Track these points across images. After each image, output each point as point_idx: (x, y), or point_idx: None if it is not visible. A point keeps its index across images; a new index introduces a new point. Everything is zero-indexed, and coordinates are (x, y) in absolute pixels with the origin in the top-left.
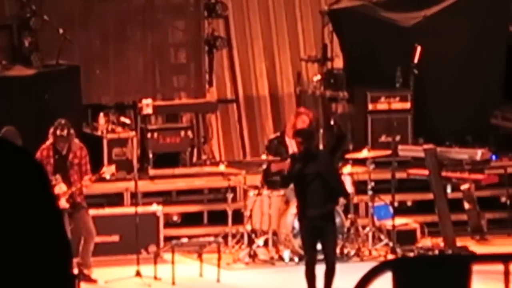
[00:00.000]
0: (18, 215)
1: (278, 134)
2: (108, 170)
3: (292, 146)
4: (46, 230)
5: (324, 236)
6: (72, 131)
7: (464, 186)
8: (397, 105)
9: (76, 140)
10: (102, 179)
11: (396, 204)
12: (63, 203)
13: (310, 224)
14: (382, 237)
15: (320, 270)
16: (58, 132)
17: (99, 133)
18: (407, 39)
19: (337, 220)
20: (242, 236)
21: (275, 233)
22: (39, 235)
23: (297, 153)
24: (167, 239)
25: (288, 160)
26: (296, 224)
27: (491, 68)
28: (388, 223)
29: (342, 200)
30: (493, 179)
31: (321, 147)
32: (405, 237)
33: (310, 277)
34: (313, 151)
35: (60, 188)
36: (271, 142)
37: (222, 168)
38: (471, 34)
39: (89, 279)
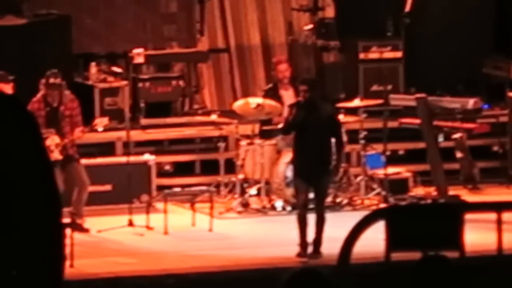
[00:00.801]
0: (6, 161)
1: (271, 85)
2: (100, 122)
3: (285, 96)
4: (36, 179)
5: (317, 185)
6: (63, 82)
7: (456, 135)
8: (388, 54)
9: (67, 92)
10: (94, 130)
11: (388, 153)
12: (56, 155)
13: (306, 171)
14: (375, 186)
15: (311, 218)
16: (50, 80)
17: (90, 82)
18: None
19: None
20: (234, 185)
21: (267, 182)
22: (28, 183)
23: (302, 101)
24: (159, 188)
25: (288, 109)
26: (289, 173)
27: (482, 16)
28: (380, 172)
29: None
30: (485, 128)
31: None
32: (397, 186)
33: (302, 222)
34: (317, 100)
35: (53, 140)
36: (266, 92)
37: (213, 117)
38: None
39: (81, 229)
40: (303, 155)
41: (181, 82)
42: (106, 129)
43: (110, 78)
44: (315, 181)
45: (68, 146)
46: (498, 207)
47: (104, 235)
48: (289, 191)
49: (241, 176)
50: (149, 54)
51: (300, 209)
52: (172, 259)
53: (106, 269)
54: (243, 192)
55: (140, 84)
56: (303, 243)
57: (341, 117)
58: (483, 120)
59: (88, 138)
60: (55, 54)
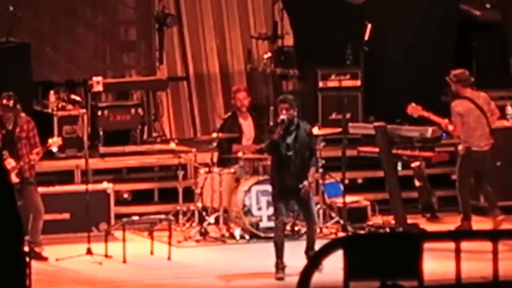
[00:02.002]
0: None
1: (230, 114)
2: (54, 142)
3: (244, 125)
4: None
5: (298, 199)
6: (18, 105)
7: (415, 164)
8: (347, 82)
9: (23, 114)
10: (52, 157)
11: (346, 181)
12: (13, 178)
13: (285, 191)
14: (333, 214)
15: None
16: (4, 102)
17: (49, 110)
18: (358, 16)
19: None
20: (193, 213)
21: (226, 211)
22: None
23: (284, 119)
24: (118, 216)
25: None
26: (247, 202)
27: (442, 44)
28: (338, 201)
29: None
30: (443, 156)
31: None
32: (356, 214)
33: (279, 243)
34: (297, 118)
35: (8, 163)
36: (225, 121)
37: (172, 145)
38: (422, 11)
39: (40, 257)
40: (286, 172)
41: (140, 110)
42: (64, 157)
43: (69, 106)
44: (292, 197)
45: (24, 169)
46: (457, 236)
47: (63, 264)
48: (248, 220)
49: (199, 205)
50: (108, 82)
51: (279, 231)
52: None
53: None
54: (201, 220)
55: (99, 112)
56: (279, 265)
57: (315, 130)
58: (441, 149)
59: (46, 166)
60: (14, 81)
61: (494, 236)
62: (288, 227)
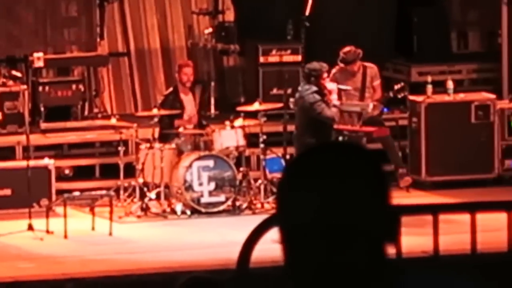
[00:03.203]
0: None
1: (171, 89)
2: None
3: (185, 101)
4: None
5: None
6: None
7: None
8: (288, 57)
9: None
10: None
11: (288, 157)
12: None
13: None
14: (274, 189)
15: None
16: None
17: None
18: None
19: (229, 173)
20: (134, 189)
21: (167, 186)
22: None
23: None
24: (59, 192)
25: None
26: (188, 177)
27: (382, 20)
28: (280, 176)
29: (234, 153)
30: (384, 131)
31: (212, 100)
32: None
33: None
34: None
35: None
36: (166, 97)
37: (113, 121)
38: None
39: None
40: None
41: (81, 86)
42: (5, 133)
43: (10, 82)
44: None
45: None
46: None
47: (4, 240)
48: (189, 195)
49: (140, 180)
50: (48, 58)
51: None
52: (72, 263)
53: (5, 274)
54: (142, 196)
55: (40, 88)
56: None
57: (239, 121)
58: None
59: None
60: None
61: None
62: (229, 202)
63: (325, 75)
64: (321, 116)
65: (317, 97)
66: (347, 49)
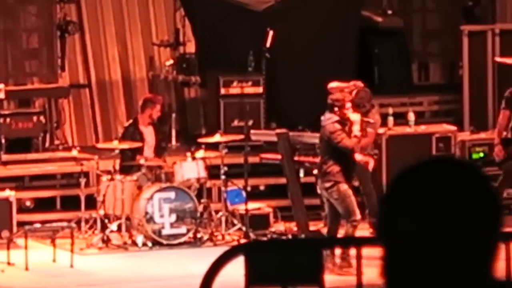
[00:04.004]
0: None
1: (131, 121)
2: None
3: (145, 133)
4: None
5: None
6: None
7: (317, 171)
8: (249, 89)
9: None
10: None
11: (249, 188)
12: None
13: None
14: (235, 221)
15: None
16: None
17: None
18: (259, 23)
19: (190, 205)
20: (95, 221)
21: (128, 218)
22: None
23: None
24: (20, 224)
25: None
26: (149, 209)
27: (343, 51)
28: (241, 208)
29: (195, 184)
30: None
31: (173, 132)
32: (258, 221)
33: None
34: None
35: None
36: (126, 129)
37: (74, 153)
38: (323, 18)
39: None
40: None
41: (42, 118)
42: None
43: None
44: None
45: None
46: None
47: None
48: (150, 227)
49: (101, 212)
50: (9, 89)
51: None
52: None
53: None
54: (104, 228)
55: (1, 120)
56: None
57: (200, 152)
58: None
59: None
60: None
61: None
62: (190, 234)
63: (348, 105)
64: (340, 145)
65: (337, 126)
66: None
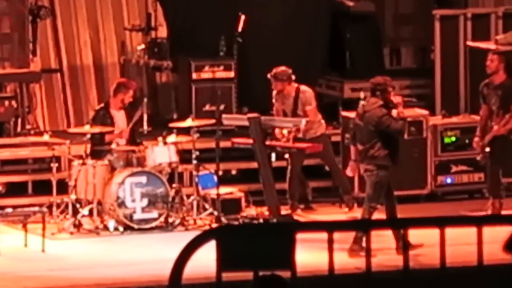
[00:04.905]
0: None
1: (102, 105)
2: None
3: (116, 117)
4: None
5: None
6: None
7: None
8: (221, 74)
9: None
10: None
11: (220, 173)
12: None
13: None
14: (207, 206)
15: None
16: None
17: None
18: (231, 8)
19: (162, 189)
20: (66, 206)
21: (100, 203)
22: None
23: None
24: None
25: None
26: (121, 194)
27: (315, 36)
28: (212, 192)
29: (167, 169)
30: (317, 147)
31: (145, 117)
32: (230, 206)
33: None
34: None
35: None
36: (97, 112)
37: (46, 137)
38: (294, 2)
39: None
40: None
41: (13, 103)
42: None
43: None
44: None
45: None
46: (330, 226)
47: None
48: (122, 211)
49: (73, 197)
50: None
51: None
52: (4, 280)
53: None
54: (75, 212)
55: None
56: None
57: (172, 137)
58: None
59: None
60: None
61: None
62: (162, 219)
63: (391, 89)
64: (390, 129)
65: (384, 110)
66: (281, 67)
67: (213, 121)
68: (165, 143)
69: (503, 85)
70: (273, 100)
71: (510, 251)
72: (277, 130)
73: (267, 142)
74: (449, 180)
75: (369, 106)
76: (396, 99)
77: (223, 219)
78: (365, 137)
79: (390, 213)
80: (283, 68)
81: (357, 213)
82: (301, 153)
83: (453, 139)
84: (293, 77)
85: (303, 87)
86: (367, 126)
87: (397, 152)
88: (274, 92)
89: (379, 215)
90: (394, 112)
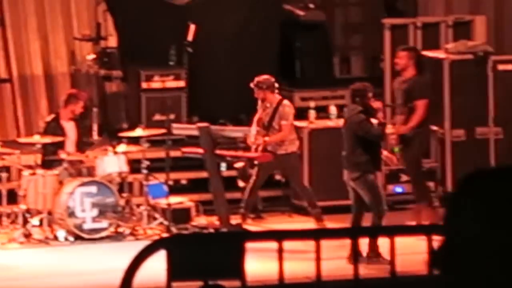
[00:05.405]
0: None
1: (53, 116)
2: None
3: (67, 128)
4: None
5: None
6: None
7: (238, 164)
8: (171, 83)
9: None
10: None
11: (170, 182)
12: None
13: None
14: (157, 215)
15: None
16: None
17: None
18: (181, 18)
19: (112, 199)
20: (16, 216)
21: (50, 213)
22: None
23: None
24: None
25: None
26: (71, 203)
27: (265, 46)
28: (162, 202)
29: (117, 179)
30: (267, 157)
31: (94, 126)
32: (180, 215)
33: None
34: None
35: None
36: (48, 123)
37: None
38: (245, 12)
39: None
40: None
41: None
42: None
43: None
44: None
45: None
46: (279, 236)
47: None
48: (72, 221)
49: (23, 207)
50: None
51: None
52: None
53: None
54: (25, 222)
55: None
56: None
57: (122, 147)
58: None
59: None
60: None
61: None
62: (112, 229)
63: (370, 94)
64: (368, 135)
65: (362, 116)
66: (264, 76)
67: (163, 130)
68: (115, 152)
69: (410, 79)
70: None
71: (436, 267)
72: (252, 139)
73: (217, 152)
74: (399, 189)
75: (349, 112)
76: (376, 104)
77: (173, 229)
78: (346, 143)
79: (353, 222)
80: (265, 76)
81: (330, 224)
82: (269, 166)
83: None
84: (276, 85)
85: (285, 101)
86: (348, 132)
87: (378, 157)
88: (259, 100)
89: (328, 223)
90: (379, 116)
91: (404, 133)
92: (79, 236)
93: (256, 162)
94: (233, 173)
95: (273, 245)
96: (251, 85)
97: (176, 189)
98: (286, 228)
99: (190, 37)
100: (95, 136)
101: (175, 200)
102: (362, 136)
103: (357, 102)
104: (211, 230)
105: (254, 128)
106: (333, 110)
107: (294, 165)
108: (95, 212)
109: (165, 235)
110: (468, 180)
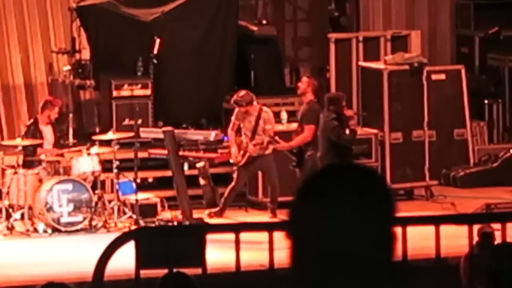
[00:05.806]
0: None
1: (32, 120)
2: None
3: (45, 131)
4: None
5: None
6: None
7: (200, 164)
8: (138, 91)
9: None
10: None
11: (139, 180)
12: None
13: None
14: (127, 210)
15: None
16: None
17: None
18: (148, 33)
19: (86, 195)
20: (0, 210)
21: (30, 208)
22: None
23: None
24: None
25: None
26: (49, 199)
27: (223, 57)
28: (131, 198)
29: (90, 177)
30: (225, 157)
31: (70, 130)
32: (147, 210)
33: None
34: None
35: None
36: (28, 127)
37: None
38: (205, 27)
39: None
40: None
41: None
42: None
43: None
44: None
45: None
46: (237, 228)
47: None
48: (50, 216)
49: (6, 202)
50: None
51: None
52: None
53: None
54: (8, 216)
55: None
56: None
57: (95, 148)
58: (223, 150)
59: None
60: None
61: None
62: (86, 222)
63: (344, 103)
64: (340, 140)
65: (335, 123)
66: (242, 93)
67: (131, 134)
68: (88, 154)
69: (307, 104)
70: (233, 117)
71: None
72: (234, 160)
73: (180, 153)
74: None
75: (324, 119)
76: (348, 112)
77: (141, 222)
78: (321, 146)
79: None
80: (242, 93)
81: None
82: (249, 167)
83: None
84: (254, 98)
85: (265, 108)
86: (322, 137)
87: (348, 160)
88: (237, 110)
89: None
90: (352, 123)
91: (283, 149)
92: (56, 229)
93: (216, 161)
94: (194, 172)
95: (231, 236)
96: (231, 102)
97: (143, 186)
98: (243, 221)
99: (155, 50)
100: (71, 139)
101: (143, 196)
102: (335, 140)
103: (331, 110)
104: (175, 223)
105: (234, 148)
106: (284, 115)
107: (270, 166)
108: (71, 207)
109: (134, 227)
110: (314, 178)
